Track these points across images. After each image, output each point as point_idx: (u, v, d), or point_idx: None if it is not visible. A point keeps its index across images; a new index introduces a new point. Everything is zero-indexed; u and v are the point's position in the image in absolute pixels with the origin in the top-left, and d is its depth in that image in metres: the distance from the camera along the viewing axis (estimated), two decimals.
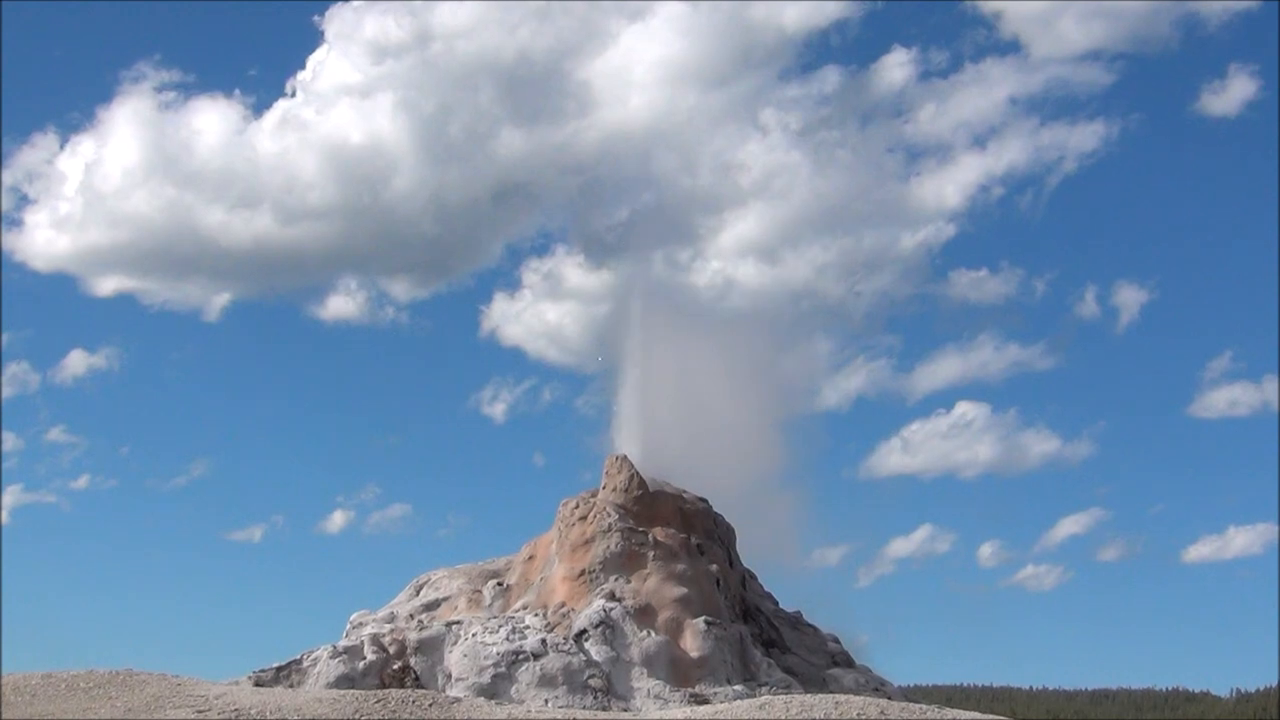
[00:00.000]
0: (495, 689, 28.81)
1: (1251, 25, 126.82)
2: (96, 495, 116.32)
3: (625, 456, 33.65)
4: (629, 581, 31.41)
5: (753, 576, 34.56)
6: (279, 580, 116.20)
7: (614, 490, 33.04)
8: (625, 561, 31.75)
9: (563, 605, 31.20)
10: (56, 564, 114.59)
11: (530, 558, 33.59)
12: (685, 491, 33.94)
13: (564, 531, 32.81)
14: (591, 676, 29.14)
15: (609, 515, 32.40)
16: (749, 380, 38.28)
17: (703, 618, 30.71)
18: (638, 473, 33.19)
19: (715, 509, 34.12)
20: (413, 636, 30.55)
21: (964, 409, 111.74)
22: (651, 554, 31.84)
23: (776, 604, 34.60)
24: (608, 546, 31.91)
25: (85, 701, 25.63)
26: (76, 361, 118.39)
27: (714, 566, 32.29)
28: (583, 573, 31.75)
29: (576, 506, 33.09)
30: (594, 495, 33.26)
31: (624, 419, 35.57)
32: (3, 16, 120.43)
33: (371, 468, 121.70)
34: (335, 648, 30.22)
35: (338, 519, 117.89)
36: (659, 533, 32.30)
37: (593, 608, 30.65)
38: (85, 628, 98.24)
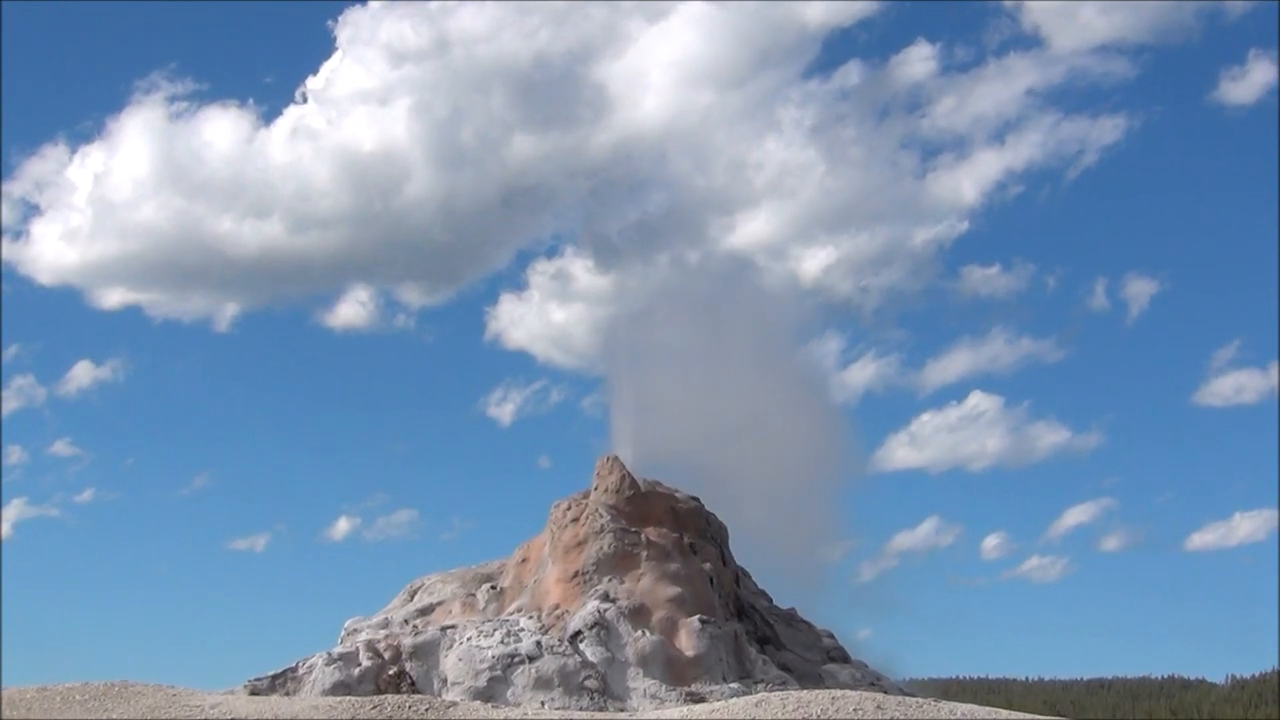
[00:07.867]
0: (491, 692, 28.83)
1: (1273, 13, 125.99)
2: (100, 508, 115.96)
3: (616, 457, 33.68)
4: (623, 582, 31.44)
5: (746, 574, 34.59)
6: (282, 588, 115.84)
7: (606, 491, 33.07)
8: (618, 562, 31.79)
9: (557, 607, 31.22)
10: (59, 578, 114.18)
11: (523, 560, 33.60)
12: (677, 491, 33.97)
13: (556, 533, 32.83)
14: (587, 678, 29.17)
15: (601, 516, 32.43)
16: (749, 378, 38.25)
17: (697, 616, 30.75)
18: (629, 473, 33.22)
19: (708, 508, 34.15)
20: (407, 642, 30.56)
21: (976, 401, 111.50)
22: (644, 554, 31.88)
23: (771, 601, 34.64)
24: (600, 547, 31.94)
25: (81, 714, 25.62)
26: (82, 373, 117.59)
27: (707, 565, 32.32)
28: (576, 574, 31.78)
29: (569, 508, 33.11)
30: (586, 497, 33.28)
31: (617, 419, 35.67)
32: (14, 26, 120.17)
33: (378, 474, 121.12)
34: (331, 655, 30.22)
35: (342, 526, 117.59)
36: (651, 533, 32.34)
37: (587, 609, 30.68)
38: (88, 640, 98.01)
